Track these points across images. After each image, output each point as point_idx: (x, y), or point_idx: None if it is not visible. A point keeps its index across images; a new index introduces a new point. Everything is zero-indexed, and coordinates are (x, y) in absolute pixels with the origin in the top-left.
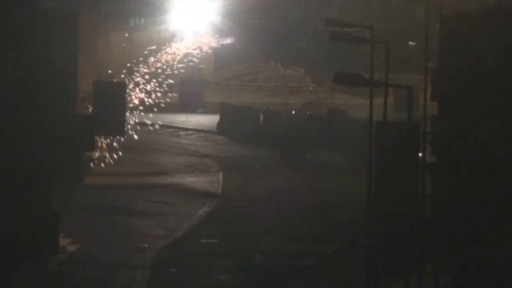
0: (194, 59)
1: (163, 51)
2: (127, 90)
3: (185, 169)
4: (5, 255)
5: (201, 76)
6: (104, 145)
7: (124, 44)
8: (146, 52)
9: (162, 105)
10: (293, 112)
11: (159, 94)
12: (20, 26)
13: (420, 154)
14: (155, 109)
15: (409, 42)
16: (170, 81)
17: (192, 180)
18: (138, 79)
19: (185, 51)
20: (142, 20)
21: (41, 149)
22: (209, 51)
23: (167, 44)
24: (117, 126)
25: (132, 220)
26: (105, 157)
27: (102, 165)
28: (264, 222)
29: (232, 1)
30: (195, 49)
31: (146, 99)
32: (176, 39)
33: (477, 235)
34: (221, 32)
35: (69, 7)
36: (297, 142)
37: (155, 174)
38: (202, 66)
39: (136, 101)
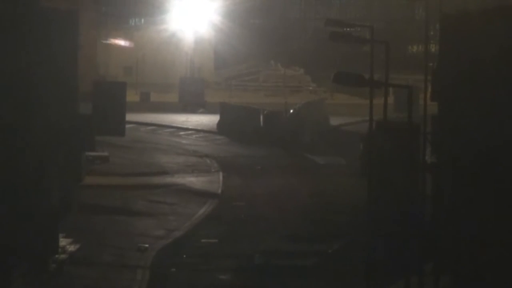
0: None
1: None
2: None
3: (185, 169)
4: (5, 255)
5: (201, 76)
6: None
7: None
8: None
9: None
10: (291, 111)
11: None
12: (20, 25)
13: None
14: None
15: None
16: None
17: (192, 180)
18: None
19: None
20: (142, 20)
21: (41, 149)
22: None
23: None
24: (117, 126)
25: (132, 220)
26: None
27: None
28: (264, 222)
29: (232, 1)
30: None
31: None
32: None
33: (477, 235)
34: (221, 32)
35: (69, 6)
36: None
37: (155, 174)
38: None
39: None
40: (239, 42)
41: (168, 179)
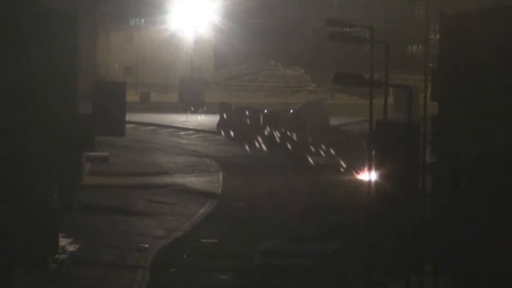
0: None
1: None
2: None
3: (185, 169)
4: (5, 255)
5: (201, 76)
6: None
7: (124, 44)
8: None
9: None
10: (291, 111)
11: None
12: (20, 25)
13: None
14: None
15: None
16: None
17: (192, 180)
18: None
19: None
20: (142, 20)
21: (41, 148)
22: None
23: None
24: (117, 126)
25: (132, 220)
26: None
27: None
28: (264, 222)
29: (232, 1)
30: None
31: None
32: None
33: (477, 235)
34: (221, 32)
35: (69, 6)
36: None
37: (155, 174)
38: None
39: None
40: (239, 42)
41: (168, 179)
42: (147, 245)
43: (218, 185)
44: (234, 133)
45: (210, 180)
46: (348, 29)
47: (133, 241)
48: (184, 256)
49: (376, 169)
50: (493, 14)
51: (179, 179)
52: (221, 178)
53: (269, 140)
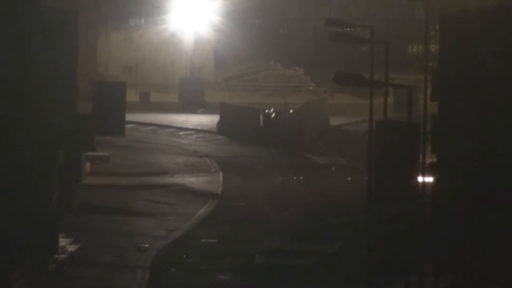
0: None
1: None
2: None
3: (185, 169)
4: (5, 255)
5: (201, 76)
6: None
7: (124, 44)
8: None
9: None
10: (291, 111)
11: None
12: (20, 25)
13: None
14: None
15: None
16: None
17: (192, 180)
18: None
19: None
20: (142, 20)
21: (41, 149)
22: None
23: None
24: (117, 126)
25: (132, 220)
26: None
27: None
28: (264, 222)
29: (232, 1)
30: None
31: None
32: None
33: (477, 235)
34: (221, 32)
35: (69, 6)
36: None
37: (155, 174)
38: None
39: None
40: (239, 42)
41: (168, 179)
42: (147, 245)
43: (218, 185)
44: (233, 133)
45: (210, 180)
46: (348, 29)
47: (133, 241)
48: (184, 256)
49: (376, 168)
50: (493, 14)
51: (179, 179)
52: (221, 178)
53: (269, 140)
